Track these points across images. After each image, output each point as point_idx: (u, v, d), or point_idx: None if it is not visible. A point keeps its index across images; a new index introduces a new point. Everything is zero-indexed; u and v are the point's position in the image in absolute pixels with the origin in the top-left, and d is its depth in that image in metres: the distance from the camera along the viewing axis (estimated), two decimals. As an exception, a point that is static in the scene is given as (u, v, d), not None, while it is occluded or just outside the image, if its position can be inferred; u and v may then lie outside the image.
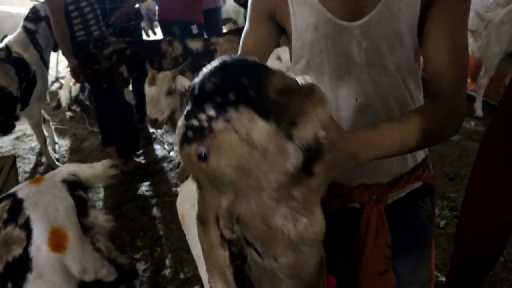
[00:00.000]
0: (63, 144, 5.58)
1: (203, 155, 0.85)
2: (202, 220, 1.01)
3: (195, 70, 3.62)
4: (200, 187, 0.97)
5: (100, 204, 4.14)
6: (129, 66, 4.06)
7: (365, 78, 1.39)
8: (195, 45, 4.26)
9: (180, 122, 0.89)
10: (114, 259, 2.44)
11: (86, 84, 5.46)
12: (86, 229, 2.30)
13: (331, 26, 1.36)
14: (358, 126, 1.44)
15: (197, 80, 0.89)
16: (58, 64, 8.76)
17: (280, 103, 0.82)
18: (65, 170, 2.41)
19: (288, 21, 1.44)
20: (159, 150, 5.08)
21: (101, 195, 4.26)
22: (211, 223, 0.99)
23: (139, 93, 4.92)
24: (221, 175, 0.87)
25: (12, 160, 3.56)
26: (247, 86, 0.82)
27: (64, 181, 2.30)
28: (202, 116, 0.84)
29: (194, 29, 4.80)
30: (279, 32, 1.55)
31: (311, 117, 0.83)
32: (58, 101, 6.57)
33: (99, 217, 2.46)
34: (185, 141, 0.87)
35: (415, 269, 1.59)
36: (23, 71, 4.22)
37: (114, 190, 4.25)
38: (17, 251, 1.98)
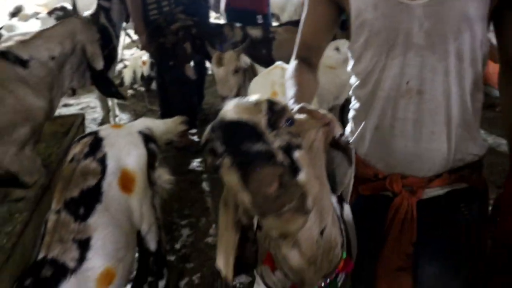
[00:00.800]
0: (123, 118, 5.91)
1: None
2: (225, 203, 1.16)
3: (253, 57, 3.81)
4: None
5: (153, 173, 4.39)
6: (193, 45, 4.29)
7: (421, 61, 1.35)
8: (255, 32, 4.46)
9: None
10: (160, 228, 2.60)
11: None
12: (150, 182, 2.49)
13: (391, 5, 1.34)
14: (399, 113, 1.41)
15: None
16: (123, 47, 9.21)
17: None
18: (142, 123, 2.62)
19: (347, 1, 1.45)
20: (213, 131, 5.32)
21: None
22: (230, 208, 1.13)
23: (199, 76, 5.17)
24: None
25: (81, 118, 3.85)
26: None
27: (140, 132, 2.51)
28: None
29: (259, 19, 5.00)
30: (338, 13, 1.57)
31: None
32: (122, 79, 6.95)
33: (163, 176, 2.65)
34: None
35: (439, 275, 1.49)
36: (106, 40, 4.45)
37: (167, 163, 4.48)
38: (92, 181, 2.18)
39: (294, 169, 0.92)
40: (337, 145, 1.19)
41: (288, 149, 0.96)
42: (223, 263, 1.16)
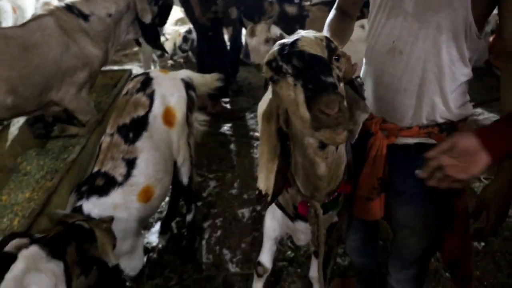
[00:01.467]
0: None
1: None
2: (267, 115, 1.50)
3: (288, 32, 4.15)
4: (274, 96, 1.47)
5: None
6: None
7: (406, 26, 1.57)
8: (291, 9, 4.82)
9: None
10: (193, 166, 2.99)
11: (188, 35, 6.27)
12: (188, 123, 2.88)
13: None
14: (385, 67, 1.67)
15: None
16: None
17: None
18: (185, 73, 3.00)
19: None
20: (244, 101, 5.69)
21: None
22: (274, 117, 1.47)
23: (234, 50, 5.55)
24: None
25: (129, 73, 4.27)
26: None
27: (183, 79, 2.89)
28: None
29: None
30: None
31: None
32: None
33: (199, 118, 3.04)
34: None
35: (409, 217, 1.77)
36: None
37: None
38: (141, 112, 2.58)
39: (342, 97, 1.23)
40: (351, 84, 1.51)
41: (338, 81, 1.31)
42: (264, 177, 1.48)
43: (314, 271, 2.54)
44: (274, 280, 2.82)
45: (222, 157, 4.33)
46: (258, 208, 3.52)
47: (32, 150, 3.15)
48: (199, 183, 3.91)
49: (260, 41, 3.90)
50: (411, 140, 1.71)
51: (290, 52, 1.29)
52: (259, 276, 2.42)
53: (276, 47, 1.35)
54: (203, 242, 3.22)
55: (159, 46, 3.71)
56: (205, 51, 5.08)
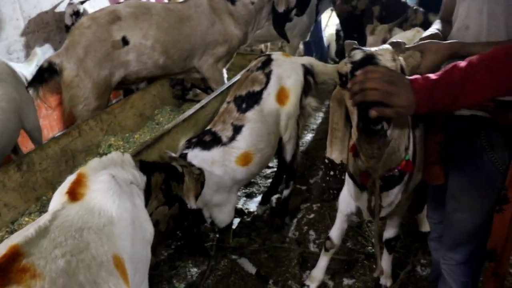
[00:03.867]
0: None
1: None
2: (337, 99, 1.69)
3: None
4: None
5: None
6: (379, 14, 4.73)
7: (473, 5, 1.76)
8: (434, 18, 4.69)
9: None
10: (297, 146, 3.26)
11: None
12: (300, 105, 3.15)
13: None
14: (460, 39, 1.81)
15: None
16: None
17: None
18: (307, 59, 3.28)
19: None
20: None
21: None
22: (343, 102, 1.66)
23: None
24: None
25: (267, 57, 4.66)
26: None
27: (303, 65, 3.17)
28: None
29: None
30: None
31: None
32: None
33: (312, 103, 3.29)
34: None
35: (459, 188, 1.90)
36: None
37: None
38: (257, 88, 2.94)
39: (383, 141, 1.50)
40: None
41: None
42: (339, 150, 1.75)
43: (383, 266, 2.65)
44: (346, 267, 2.97)
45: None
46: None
47: (168, 106, 3.73)
48: (307, 169, 4.17)
49: (377, 40, 3.96)
50: (467, 112, 1.82)
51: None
52: (326, 250, 2.62)
53: (349, 64, 1.58)
54: (294, 220, 3.48)
55: (283, 35, 4.04)
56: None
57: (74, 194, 1.59)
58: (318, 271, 2.75)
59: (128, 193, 1.80)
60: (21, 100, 3.03)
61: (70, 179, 1.73)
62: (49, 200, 2.67)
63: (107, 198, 1.64)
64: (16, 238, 1.28)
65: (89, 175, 1.72)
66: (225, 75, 3.92)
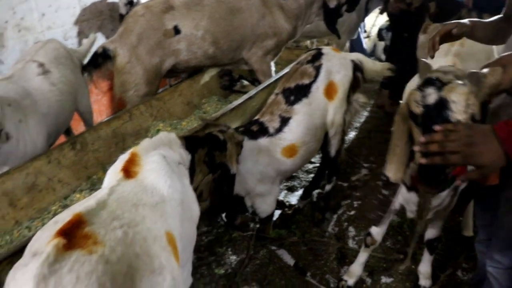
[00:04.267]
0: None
1: None
2: (402, 116, 1.68)
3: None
4: None
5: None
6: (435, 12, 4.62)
7: None
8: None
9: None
10: (343, 142, 3.25)
11: (385, 33, 6.33)
12: (348, 101, 3.15)
13: None
14: None
15: None
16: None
17: None
18: (356, 56, 3.27)
19: None
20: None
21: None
22: (407, 119, 1.67)
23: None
24: None
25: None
26: None
27: (353, 61, 3.16)
28: None
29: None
30: None
31: None
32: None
33: (359, 99, 3.28)
34: None
35: None
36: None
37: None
38: (306, 81, 2.95)
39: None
40: None
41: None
42: (395, 168, 1.75)
43: (423, 267, 2.64)
44: (385, 266, 2.96)
45: (382, 153, 4.43)
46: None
47: (215, 96, 3.81)
48: (349, 166, 4.15)
49: (428, 38, 3.90)
50: None
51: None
52: (367, 246, 2.62)
53: (421, 107, 1.58)
54: (335, 216, 3.48)
55: (335, 30, 4.02)
56: (397, 51, 5.15)
57: (128, 172, 1.66)
58: (357, 267, 2.74)
59: (178, 174, 1.86)
60: (76, 83, 3.17)
61: (124, 157, 1.80)
62: (99, 179, 2.79)
63: (159, 178, 1.70)
64: (78, 207, 1.36)
65: (141, 155, 1.78)
66: (273, 68, 3.95)
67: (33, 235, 1.40)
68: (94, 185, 2.70)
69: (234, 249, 3.11)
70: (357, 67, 3.16)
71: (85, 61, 3.53)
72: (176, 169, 1.87)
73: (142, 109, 3.20)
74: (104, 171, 2.83)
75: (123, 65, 3.41)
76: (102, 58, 3.44)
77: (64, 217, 1.33)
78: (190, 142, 2.16)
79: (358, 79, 3.18)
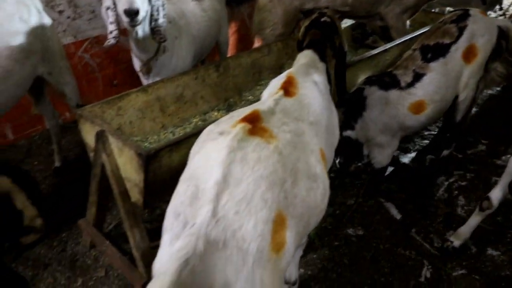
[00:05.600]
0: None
1: None
2: None
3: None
4: None
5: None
6: None
7: None
8: None
9: None
10: (470, 109, 3.17)
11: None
12: (485, 68, 3.07)
13: None
14: None
15: None
16: None
17: None
18: (504, 21, 3.17)
19: None
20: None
21: None
22: None
23: None
24: None
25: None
26: None
27: (499, 27, 3.07)
28: None
29: None
30: None
31: None
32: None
33: (498, 68, 3.19)
34: None
35: None
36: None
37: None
38: (446, 40, 2.95)
39: None
40: None
41: None
42: None
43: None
44: (493, 239, 2.95)
45: (502, 132, 4.30)
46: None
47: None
48: (470, 144, 4.06)
49: None
50: None
51: None
52: (481, 210, 2.62)
53: None
54: (445, 183, 3.48)
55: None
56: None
57: (287, 91, 1.84)
58: (466, 229, 2.76)
59: (327, 100, 2.01)
60: (222, 14, 3.40)
61: (281, 78, 1.98)
62: (235, 102, 3.04)
63: (314, 101, 1.89)
64: (254, 107, 1.57)
65: (297, 78, 1.95)
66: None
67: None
68: (231, 106, 2.95)
69: (344, 193, 3.26)
70: (503, 34, 3.07)
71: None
72: (327, 95, 2.04)
73: (279, 46, 3.37)
74: (240, 96, 3.07)
75: (264, 3, 3.58)
76: (244, -5, 3.64)
77: (239, 113, 1.55)
78: (320, 50, 2.23)
79: (501, 46, 3.09)
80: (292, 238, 1.38)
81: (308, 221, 1.58)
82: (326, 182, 1.66)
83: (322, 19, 2.35)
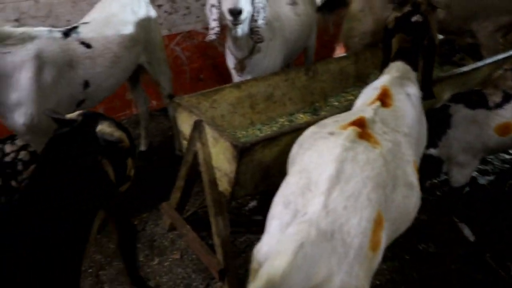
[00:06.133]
0: None
1: None
2: None
3: None
4: None
5: None
6: None
7: None
8: None
9: None
10: None
11: None
12: None
13: None
14: None
15: None
16: None
17: None
18: None
19: None
20: None
21: None
22: None
23: None
24: None
25: None
26: None
27: None
28: None
29: None
30: None
31: None
32: None
33: None
34: None
35: None
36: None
37: None
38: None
39: None
40: None
41: None
42: None
43: None
44: None
45: None
46: None
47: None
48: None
49: None
50: None
51: None
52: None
53: None
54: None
55: None
56: None
57: (384, 102, 1.92)
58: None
59: (419, 113, 2.06)
60: (313, 19, 3.51)
61: (375, 88, 2.06)
62: (320, 107, 3.13)
63: (407, 114, 1.96)
64: (357, 114, 1.66)
65: (391, 90, 2.02)
66: (499, 46, 3.85)
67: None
68: (316, 110, 3.05)
69: (417, 207, 3.25)
70: None
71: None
72: (419, 107, 2.09)
73: (367, 55, 3.44)
74: (325, 101, 3.16)
75: (356, 12, 3.64)
76: (337, 2, 3.70)
77: (343, 118, 1.65)
78: (413, 61, 2.30)
79: None
80: (385, 239, 1.46)
81: (398, 227, 1.65)
82: (419, 192, 1.72)
83: (414, 19, 2.37)
